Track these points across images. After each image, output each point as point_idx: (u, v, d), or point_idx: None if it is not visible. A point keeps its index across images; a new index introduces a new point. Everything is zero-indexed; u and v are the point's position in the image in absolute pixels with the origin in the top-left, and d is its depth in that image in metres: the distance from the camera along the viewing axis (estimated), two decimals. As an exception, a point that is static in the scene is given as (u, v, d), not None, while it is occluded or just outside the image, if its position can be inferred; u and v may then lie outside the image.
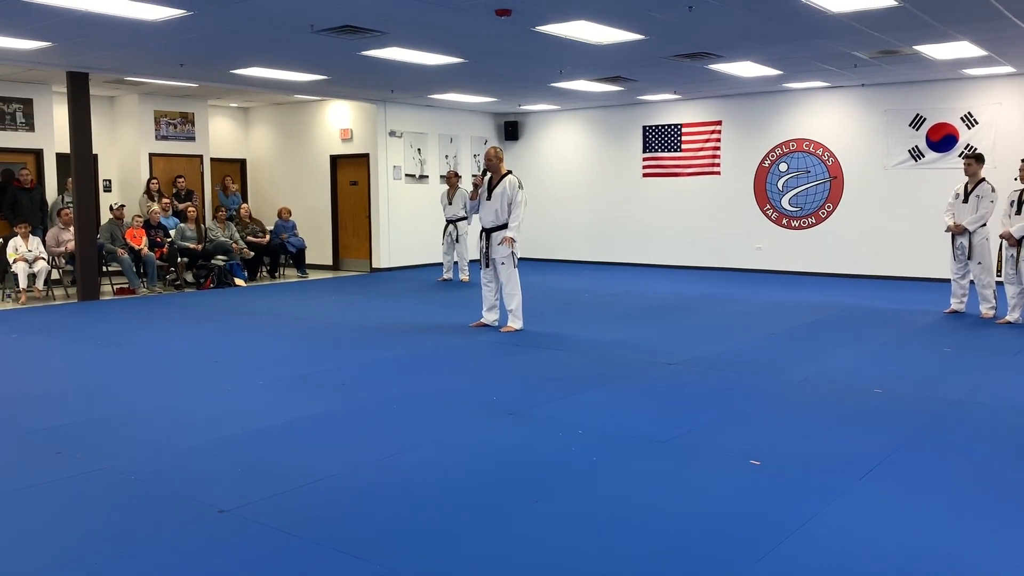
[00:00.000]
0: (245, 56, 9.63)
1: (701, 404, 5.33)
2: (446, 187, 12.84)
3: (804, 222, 13.12)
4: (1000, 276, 8.57)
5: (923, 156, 12.03)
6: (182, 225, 12.22)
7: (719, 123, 13.80)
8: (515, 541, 3.26)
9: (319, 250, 14.83)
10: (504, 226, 7.89)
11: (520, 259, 8.06)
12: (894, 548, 3.16)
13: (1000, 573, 2.97)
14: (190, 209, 12.41)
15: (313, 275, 13.81)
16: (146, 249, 11.57)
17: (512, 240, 7.81)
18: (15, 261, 10.49)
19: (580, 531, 3.34)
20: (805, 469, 4.06)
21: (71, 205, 11.02)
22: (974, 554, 3.12)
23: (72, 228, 10.89)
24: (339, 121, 14.61)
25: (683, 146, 14.16)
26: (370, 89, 12.58)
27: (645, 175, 14.64)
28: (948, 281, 9.14)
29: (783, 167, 13.25)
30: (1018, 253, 8.12)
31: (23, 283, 10.42)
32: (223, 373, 6.32)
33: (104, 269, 11.53)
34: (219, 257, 12.14)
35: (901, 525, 3.38)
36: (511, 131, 16.08)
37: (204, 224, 13.00)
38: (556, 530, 3.35)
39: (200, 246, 12.16)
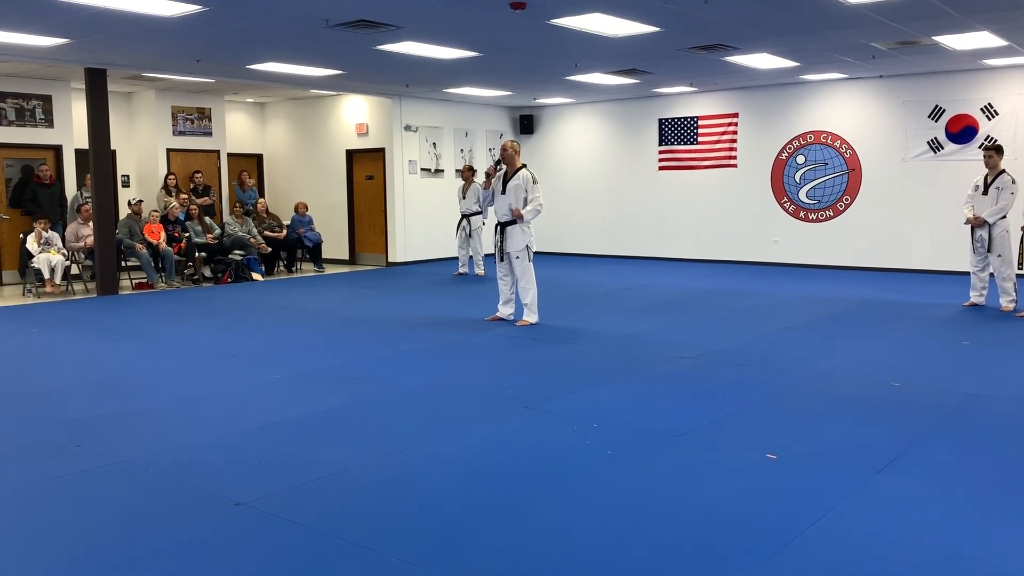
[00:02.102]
0: (261, 51, 9.66)
1: (717, 398, 5.31)
2: (461, 182, 12.84)
3: (822, 215, 13.03)
4: (1021, 269, 8.49)
5: (942, 148, 11.91)
6: (188, 222, 12.27)
7: (736, 115, 13.72)
8: (530, 534, 3.26)
9: (335, 244, 14.89)
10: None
11: (536, 253, 8.05)
12: (911, 542, 3.14)
13: (1018, 567, 2.95)
14: (192, 207, 12.47)
15: (329, 269, 13.87)
16: (164, 244, 11.65)
17: (522, 214, 7.77)
18: (41, 251, 10.61)
19: (595, 524, 3.34)
20: (822, 463, 4.04)
21: (90, 200, 11.11)
22: (992, 549, 3.10)
23: (91, 223, 10.98)
24: (355, 116, 14.64)
25: (699, 139, 14.09)
26: (385, 83, 12.59)
27: (661, 168, 14.59)
28: (967, 274, 9.06)
29: (800, 159, 13.16)
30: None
31: (47, 274, 10.55)
32: (240, 367, 6.36)
33: (122, 264, 11.62)
34: (236, 252, 12.21)
35: (918, 519, 3.36)
36: (526, 125, 16.05)
37: (219, 219, 13.08)
38: (571, 523, 3.36)
39: (212, 240, 12.22)
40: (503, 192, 7.93)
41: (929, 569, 2.94)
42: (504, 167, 8.00)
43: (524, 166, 7.98)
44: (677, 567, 2.97)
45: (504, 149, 7.96)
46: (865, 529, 3.27)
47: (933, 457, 4.14)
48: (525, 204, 7.84)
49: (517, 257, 7.91)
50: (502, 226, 7.98)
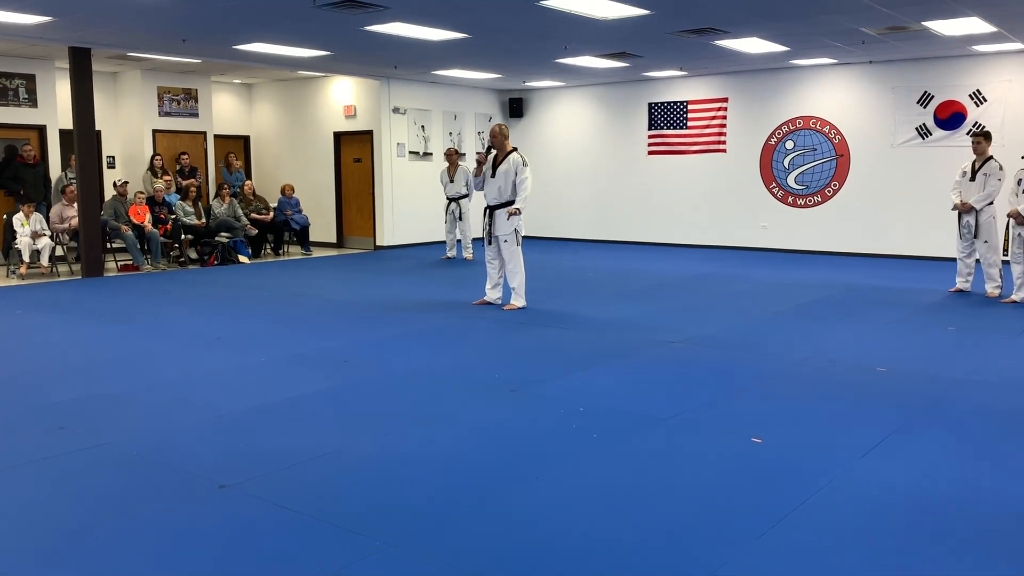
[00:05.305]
0: (247, 31, 9.57)
1: (703, 382, 5.32)
2: (446, 165, 12.77)
3: (810, 200, 13.05)
4: (1006, 255, 8.53)
5: (931, 134, 11.93)
6: (180, 202, 12.19)
7: (725, 100, 13.70)
8: (515, 518, 3.26)
9: (323, 227, 14.81)
10: (506, 203, 7.86)
11: (524, 237, 8.03)
12: (895, 527, 3.16)
13: (1000, 551, 2.97)
14: (191, 189, 12.39)
15: (317, 252, 13.81)
16: (150, 226, 11.57)
17: (518, 210, 7.77)
18: (32, 234, 10.58)
19: (581, 507, 3.34)
20: (807, 447, 4.06)
21: (75, 181, 11.01)
22: (974, 532, 3.12)
23: (76, 204, 10.89)
24: (342, 97, 14.54)
25: (689, 123, 14.07)
26: (373, 65, 12.50)
27: (650, 153, 14.56)
28: (954, 260, 9.10)
29: (789, 145, 13.16)
30: (1025, 232, 8.07)
31: (26, 257, 10.48)
32: (226, 350, 6.33)
33: (108, 246, 11.54)
34: (223, 234, 12.14)
35: (902, 504, 3.37)
36: (515, 108, 15.99)
37: (205, 201, 12.99)
38: (556, 507, 3.36)
39: (201, 223, 12.15)
40: (492, 176, 7.90)
41: (911, 551, 2.95)
42: (495, 151, 7.95)
43: (515, 149, 7.95)
44: (662, 550, 2.97)
45: (493, 134, 7.92)
46: (849, 514, 3.29)
47: (918, 442, 4.16)
48: (513, 187, 7.83)
49: (505, 241, 7.89)
50: (490, 209, 7.96)
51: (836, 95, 12.69)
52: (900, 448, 4.04)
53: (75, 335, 7.06)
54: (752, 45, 10.54)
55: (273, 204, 13.59)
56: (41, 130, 12.16)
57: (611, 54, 11.40)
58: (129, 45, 10.62)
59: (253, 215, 12.97)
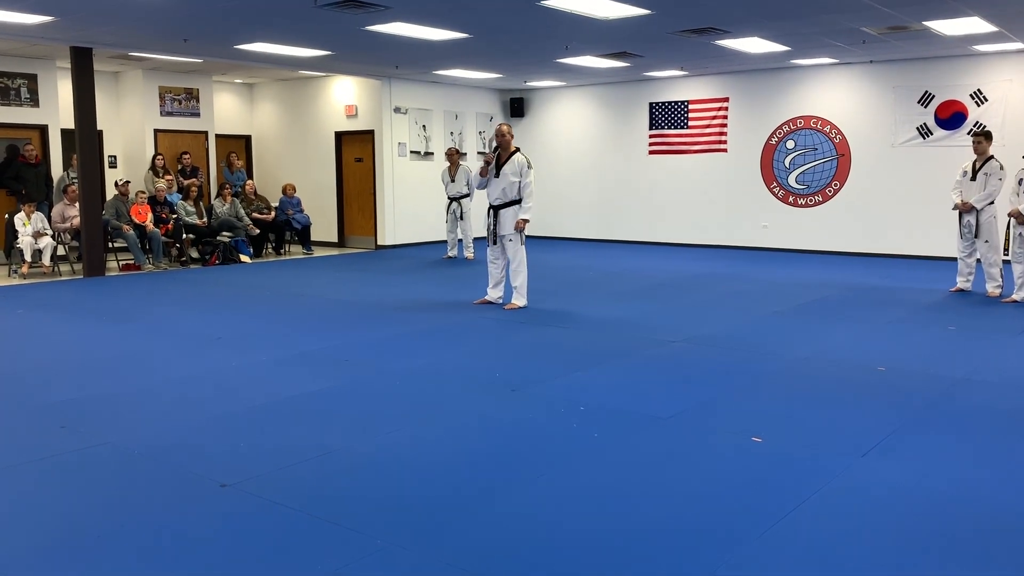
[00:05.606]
0: (248, 31, 9.58)
1: (704, 382, 5.32)
2: (447, 164, 12.77)
3: (811, 200, 13.05)
4: (1007, 255, 8.53)
5: (931, 134, 11.93)
6: (181, 202, 12.20)
7: (726, 100, 13.70)
8: (516, 517, 3.27)
9: (324, 227, 14.82)
10: (511, 203, 7.87)
11: (526, 236, 8.03)
12: (894, 526, 3.17)
13: (999, 551, 2.97)
14: (192, 188, 12.40)
15: (318, 252, 13.82)
16: (151, 225, 11.58)
17: (525, 222, 7.83)
18: (34, 234, 10.58)
19: (581, 507, 3.35)
20: (807, 446, 4.06)
21: (76, 181, 11.02)
22: (974, 532, 3.12)
23: (77, 204, 10.90)
24: (344, 97, 14.54)
25: (690, 123, 14.07)
26: (374, 65, 12.51)
27: (651, 152, 14.56)
28: (954, 259, 9.10)
29: (790, 144, 13.16)
30: (1026, 232, 8.06)
31: (28, 256, 10.49)
32: (226, 349, 6.33)
33: (110, 245, 11.56)
34: (224, 233, 12.15)
35: (902, 503, 3.38)
36: (516, 108, 15.99)
37: (206, 201, 13.01)
38: (557, 506, 3.36)
39: (203, 222, 12.17)
40: (497, 176, 7.90)
41: (915, 554, 2.96)
42: (500, 150, 7.95)
43: (518, 150, 7.96)
44: (662, 549, 2.98)
45: (502, 134, 7.91)
46: (848, 513, 3.29)
47: (918, 441, 4.17)
48: (518, 188, 7.84)
49: (510, 240, 7.90)
50: (495, 209, 7.96)
51: (837, 95, 12.69)
52: (900, 448, 4.04)
53: (76, 334, 7.07)
54: (753, 45, 10.54)
55: (274, 203, 13.60)
56: (43, 130, 12.18)
57: (612, 54, 11.40)
58: (130, 45, 10.63)
59: (255, 214, 12.98)
